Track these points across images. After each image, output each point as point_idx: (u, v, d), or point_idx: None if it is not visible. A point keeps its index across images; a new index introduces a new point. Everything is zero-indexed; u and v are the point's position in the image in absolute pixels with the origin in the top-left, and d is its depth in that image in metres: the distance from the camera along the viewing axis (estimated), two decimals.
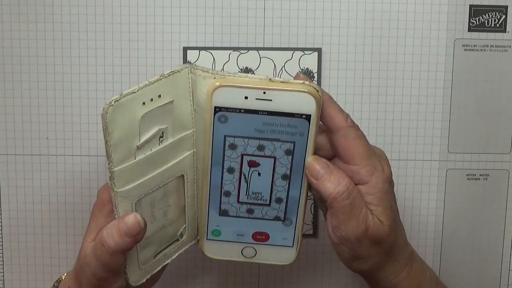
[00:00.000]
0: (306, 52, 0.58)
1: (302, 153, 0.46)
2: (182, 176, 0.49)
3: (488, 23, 0.58)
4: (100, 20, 0.57)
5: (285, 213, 0.49)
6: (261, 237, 0.50)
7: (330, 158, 0.48)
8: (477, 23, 0.58)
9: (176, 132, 0.48)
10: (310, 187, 0.47)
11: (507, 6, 0.58)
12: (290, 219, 0.49)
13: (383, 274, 0.48)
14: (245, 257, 0.50)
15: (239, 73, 0.45)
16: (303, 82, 0.44)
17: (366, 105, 0.59)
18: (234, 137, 0.45)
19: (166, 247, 0.51)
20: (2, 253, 0.61)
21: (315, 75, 0.58)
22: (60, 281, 0.54)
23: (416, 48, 0.58)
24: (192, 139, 0.49)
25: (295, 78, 0.46)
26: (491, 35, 0.58)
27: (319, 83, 0.58)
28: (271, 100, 0.44)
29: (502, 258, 0.62)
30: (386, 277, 0.49)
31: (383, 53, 0.58)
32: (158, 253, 0.51)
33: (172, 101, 0.46)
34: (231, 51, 0.58)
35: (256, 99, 0.44)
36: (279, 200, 0.48)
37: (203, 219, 0.49)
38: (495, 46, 0.58)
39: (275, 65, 0.58)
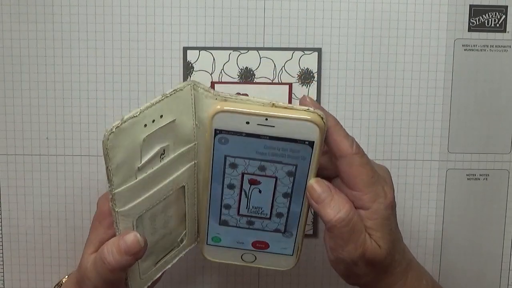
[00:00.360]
0: (306, 52, 0.58)
1: (304, 174, 0.45)
2: (183, 187, 0.49)
3: (488, 23, 0.58)
4: (100, 20, 0.57)
5: (285, 226, 0.48)
6: (260, 246, 0.49)
7: (332, 177, 0.48)
8: (477, 23, 0.58)
9: (178, 147, 0.47)
10: None
11: (507, 6, 0.58)
12: (291, 231, 0.48)
13: (378, 285, 0.49)
14: (245, 261, 0.50)
15: (241, 96, 0.44)
16: (308, 109, 0.43)
17: (366, 105, 0.59)
18: (235, 157, 0.45)
19: (167, 254, 0.51)
20: (2, 253, 0.61)
21: (315, 75, 0.58)
22: (61, 284, 0.54)
23: (416, 48, 0.58)
24: (194, 151, 0.48)
25: (301, 101, 0.45)
26: (491, 35, 0.58)
27: (319, 83, 0.58)
28: (274, 126, 0.43)
29: (502, 258, 0.62)
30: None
31: (383, 53, 0.58)
32: (159, 260, 0.50)
33: (174, 120, 0.46)
34: (231, 51, 0.58)
35: (258, 124, 0.43)
36: (279, 215, 0.47)
37: (203, 226, 0.49)
38: (495, 46, 0.58)
39: (275, 65, 0.58)
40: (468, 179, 0.60)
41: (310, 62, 0.58)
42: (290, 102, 0.58)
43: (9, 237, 0.60)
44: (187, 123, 0.47)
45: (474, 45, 0.58)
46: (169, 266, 0.51)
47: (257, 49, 0.58)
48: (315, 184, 0.45)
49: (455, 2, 0.58)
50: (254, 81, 0.58)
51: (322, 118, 0.43)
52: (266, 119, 0.43)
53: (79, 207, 0.60)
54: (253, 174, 0.45)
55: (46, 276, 0.61)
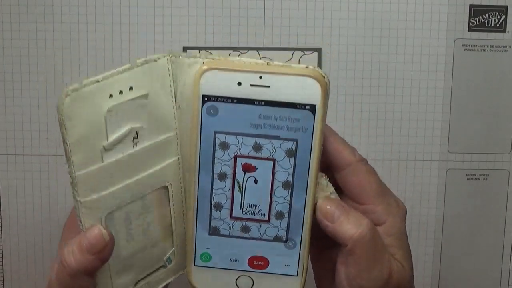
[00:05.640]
0: (306, 52, 0.58)
1: (307, 154, 0.39)
2: (166, 187, 0.42)
3: (488, 23, 0.58)
4: (100, 20, 0.57)
5: (287, 232, 0.41)
6: (259, 264, 0.42)
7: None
8: (477, 23, 0.58)
9: (154, 133, 0.40)
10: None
11: (507, 6, 0.58)
12: (294, 240, 0.41)
13: None
14: None
15: (232, 56, 0.39)
16: (307, 66, 0.38)
17: (366, 105, 0.59)
18: (226, 133, 0.39)
19: (150, 274, 0.43)
20: (2, 253, 0.61)
21: None
22: None
23: (416, 48, 0.58)
24: (176, 143, 0.42)
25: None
26: (491, 35, 0.58)
27: None
28: (269, 86, 0.38)
29: (502, 258, 0.62)
30: None
31: (383, 53, 0.58)
32: (140, 280, 0.43)
33: (147, 95, 0.39)
34: (231, 51, 0.58)
35: (251, 85, 0.38)
36: (280, 215, 0.41)
37: (191, 240, 0.42)
38: (495, 46, 0.58)
39: None
40: (468, 179, 0.60)
41: (310, 62, 0.58)
42: None
43: (9, 237, 0.60)
44: (165, 104, 0.40)
45: (474, 45, 0.58)
46: None
47: (257, 49, 0.58)
48: (325, 203, 0.40)
49: (455, 2, 0.58)
50: None
51: (324, 77, 0.38)
52: (261, 77, 0.38)
53: None
54: (247, 156, 0.39)
55: (46, 276, 0.61)
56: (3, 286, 0.61)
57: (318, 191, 0.41)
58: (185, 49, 0.58)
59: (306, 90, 0.38)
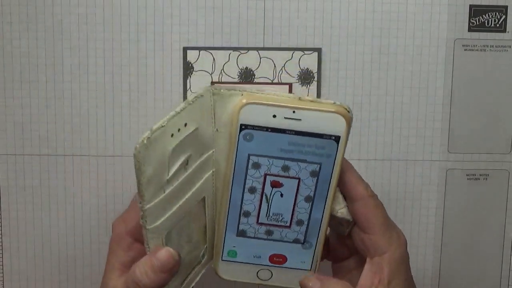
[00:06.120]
0: (306, 52, 0.58)
1: (328, 175, 0.45)
2: (203, 198, 0.48)
3: (488, 23, 0.58)
4: (100, 20, 0.57)
5: (305, 236, 0.47)
6: (278, 260, 0.48)
7: (345, 258, 0.50)
8: (477, 23, 0.58)
9: (199, 155, 0.46)
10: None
11: (507, 6, 0.58)
12: (310, 242, 0.48)
13: None
14: (261, 279, 0.49)
15: (267, 91, 0.44)
16: (334, 102, 0.43)
17: (366, 105, 0.59)
18: (259, 156, 0.44)
19: (191, 271, 0.50)
20: (2, 253, 0.61)
21: (315, 75, 0.58)
22: None
23: (416, 48, 0.58)
24: (212, 159, 0.47)
25: None
26: (491, 35, 0.58)
27: (319, 83, 0.58)
28: (300, 119, 0.43)
29: (502, 258, 0.62)
30: None
31: (383, 53, 0.58)
32: (185, 278, 0.49)
33: (197, 128, 0.44)
34: (231, 51, 0.58)
35: (285, 118, 0.43)
36: (300, 223, 0.47)
37: (220, 239, 0.48)
38: (495, 46, 0.58)
39: (275, 65, 0.58)
40: (468, 179, 0.60)
41: (310, 62, 0.58)
42: None
43: (9, 238, 0.60)
44: (207, 130, 0.46)
45: (474, 45, 0.58)
46: (193, 284, 0.50)
47: (257, 49, 0.58)
48: (304, 281, 0.47)
49: (455, 2, 0.58)
50: (254, 81, 0.58)
51: (348, 112, 0.43)
52: (294, 112, 0.43)
53: (79, 207, 0.60)
54: (276, 175, 0.45)
55: (45, 276, 0.61)
56: (3, 286, 0.61)
57: (335, 203, 0.47)
58: (185, 49, 0.58)
59: (333, 124, 0.43)
